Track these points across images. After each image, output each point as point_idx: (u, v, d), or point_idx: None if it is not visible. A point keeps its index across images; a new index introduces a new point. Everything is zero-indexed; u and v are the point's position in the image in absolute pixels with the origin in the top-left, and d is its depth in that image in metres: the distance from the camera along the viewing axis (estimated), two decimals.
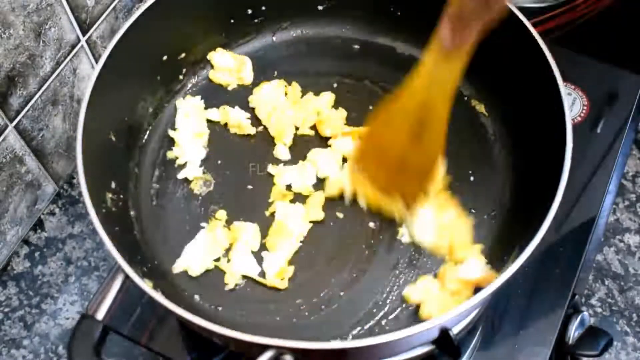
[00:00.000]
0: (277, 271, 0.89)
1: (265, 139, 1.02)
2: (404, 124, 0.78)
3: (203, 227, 0.94)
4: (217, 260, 0.91)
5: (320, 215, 0.94)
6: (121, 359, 0.97)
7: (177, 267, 0.90)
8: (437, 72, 0.75)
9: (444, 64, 0.74)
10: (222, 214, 0.94)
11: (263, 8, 1.09)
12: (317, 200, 0.95)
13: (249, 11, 1.09)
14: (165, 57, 1.02)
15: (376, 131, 0.84)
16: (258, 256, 0.91)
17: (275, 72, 1.09)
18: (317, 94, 1.05)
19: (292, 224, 0.92)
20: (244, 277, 0.90)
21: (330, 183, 0.95)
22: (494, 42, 0.97)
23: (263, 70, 1.09)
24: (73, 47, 1.08)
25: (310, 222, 0.94)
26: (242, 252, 0.91)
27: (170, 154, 1.00)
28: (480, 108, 1.04)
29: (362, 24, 1.12)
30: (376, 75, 1.08)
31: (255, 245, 0.92)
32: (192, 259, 0.90)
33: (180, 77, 1.07)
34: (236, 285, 0.89)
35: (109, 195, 0.89)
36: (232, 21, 1.08)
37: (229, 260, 0.91)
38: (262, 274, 0.90)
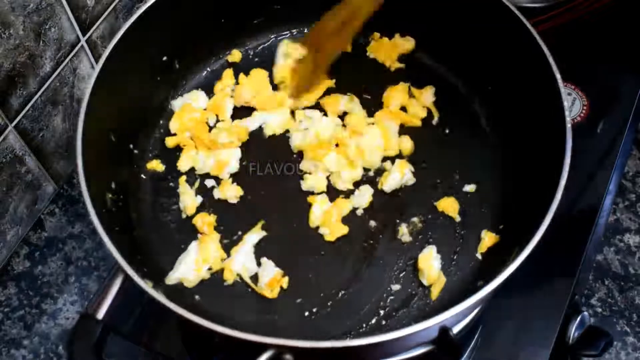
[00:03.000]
0: (270, 280, 0.88)
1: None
2: (338, 20, 1.01)
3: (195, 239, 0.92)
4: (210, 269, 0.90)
5: (344, 229, 0.93)
6: (121, 359, 0.97)
7: (172, 279, 0.88)
8: None
9: None
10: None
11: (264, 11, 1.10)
12: (336, 216, 0.94)
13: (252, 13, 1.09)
14: (165, 57, 1.02)
15: (325, 19, 1.03)
16: (257, 259, 0.91)
17: None
18: None
19: None
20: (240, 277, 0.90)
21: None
22: (494, 42, 0.98)
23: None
24: (73, 47, 1.08)
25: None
26: (245, 251, 0.91)
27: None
28: (480, 108, 1.04)
29: None
30: None
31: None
32: (186, 270, 0.88)
33: (180, 77, 1.07)
34: (236, 283, 0.89)
35: (109, 195, 0.89)
36: (233, 22, 1.09)
37: (228, 256, 0.90)
38: (256, 277, 0.90)
